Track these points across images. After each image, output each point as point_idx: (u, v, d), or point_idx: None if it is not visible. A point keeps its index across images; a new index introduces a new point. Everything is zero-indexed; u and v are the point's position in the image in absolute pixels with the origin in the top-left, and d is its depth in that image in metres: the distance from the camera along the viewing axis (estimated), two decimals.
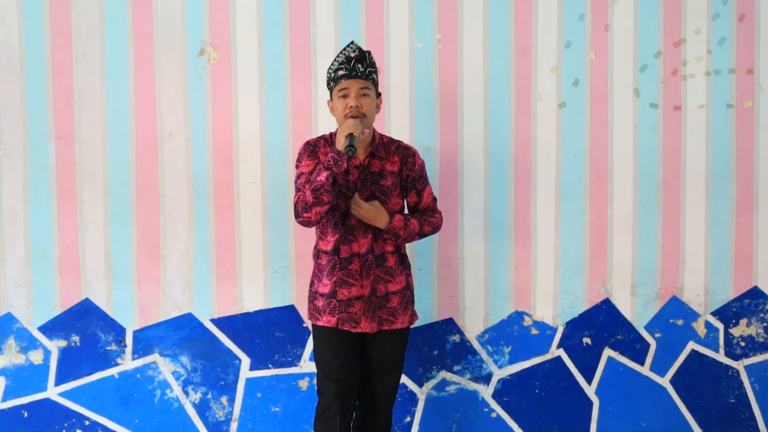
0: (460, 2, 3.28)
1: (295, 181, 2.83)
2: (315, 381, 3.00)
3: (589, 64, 3.30)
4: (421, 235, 2.88)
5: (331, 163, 2.69)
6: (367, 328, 2.81)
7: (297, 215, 2.74)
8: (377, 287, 2.83)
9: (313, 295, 2.89)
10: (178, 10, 3.25)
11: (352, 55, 2.79)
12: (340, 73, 2.78)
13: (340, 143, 2.67)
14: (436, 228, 2.93)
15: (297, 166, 2.84)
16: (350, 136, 2.66)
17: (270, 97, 3.27)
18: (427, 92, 3.28)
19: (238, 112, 3.27)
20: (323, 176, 2.69)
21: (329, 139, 2.87)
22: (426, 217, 2.90)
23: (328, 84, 2.85)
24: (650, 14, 3.30)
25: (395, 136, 3.23)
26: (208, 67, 3.26)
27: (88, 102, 3.26)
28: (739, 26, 3.31)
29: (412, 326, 3.04)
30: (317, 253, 2.89)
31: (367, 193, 2.82)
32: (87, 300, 3.30)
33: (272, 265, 3.29)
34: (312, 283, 2.90)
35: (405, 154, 2.89)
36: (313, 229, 3.10)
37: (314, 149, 2.84)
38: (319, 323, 2.85)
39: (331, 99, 2.84)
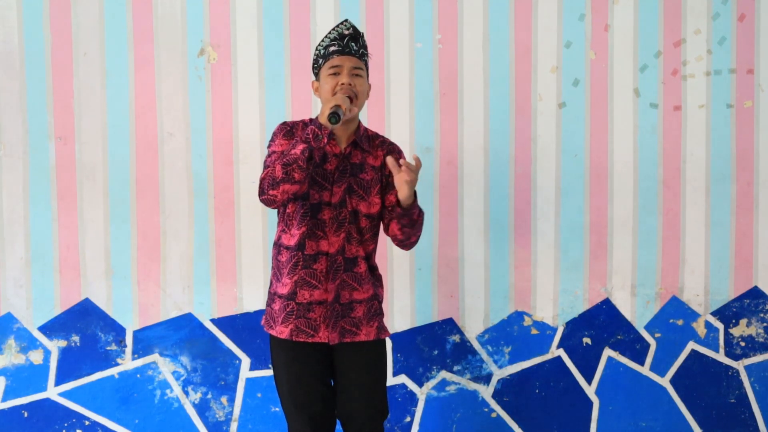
0: (460, 2, 3.28)
1: (265, 160, 2.54)
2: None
3: (589, 64, 3.30)
4: (416, 227, 2.60)
5: (310, 136, 2.40)
6: (324, 338, 2.53)
7: (261, 192, 2.44)
8: (341, 293, 2.54)
9: (270, 298, 2.61)
10: (178, 10, 3.25)
11: (346, 32, 2.55)
12: (332, 49, 2.53)
13: (324, 114, 2.38)
14: (420, 228, 2.64)
15: (269, 146, 2.57)
16: (336, 106, 2.38)
17: (270, 97, 3.27)
18: (427, 92, 3.28)
19: (238, 112, 3.27)
20: (299, 149, 2.40)
21: (308, 123, 2.60)
22: None
23: (316, 62, 2.59)
24: (650, 14, 3.30)
25: (395, 137, 3.23)
26: (208, 67, 3.26)
27: (88, 102, 3.26)
28: (739, 26, 3.31)
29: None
30: (278, 250, 2.59)
31: (344, 186, 2.55)
32: (87, 300, 3.30)
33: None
34: (270, 284, 2.63)
35: (390, 149, 2.65)
36: None
37: (291, 130, 2.57)
38: (272, 332, 2.57)
39: (317, 79, 2.58)
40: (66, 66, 3.25)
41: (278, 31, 3.26)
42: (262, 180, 2.46)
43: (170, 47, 3.25)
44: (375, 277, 2.66)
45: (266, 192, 2.44)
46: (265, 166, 2.51)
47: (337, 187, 2.55)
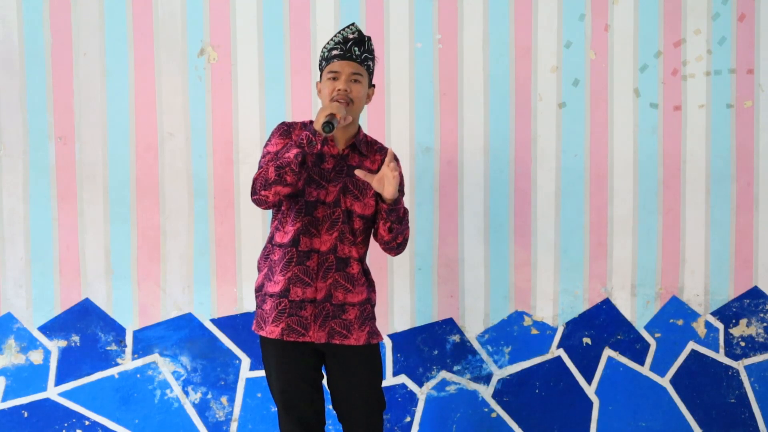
0: (460, 2, 3.28)
1: (260, 160, 2.58)
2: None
3: (589, 64, 3.31)
4: (404, 224, 2.59)
5: (304, 141, 2.43)
6: (314, 337, 2.52)
7: (253, 192, 2.48)
8: (334, 293, 2.54)
9: (262, 299, 2.59)
10: (178, 10, 3.25)
11: (351, 36, 2.57)
12: (334, 53, 2.56)
13: (318, 122, 2.41)
14: (407, 227, 2.63)
15: (265, 145, 2.60)
16: (331, 115, 2.42)
17: (270, 97, 3.27)
18: (427, 92, 3.28)
19: (238, 112, 3.27)
20: (292, 153, 2.43)
21: (307, 125, 2.61)
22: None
23: (320, 64, 2.62)
24: (650, 14, 3.30)
25: (395, 136, 3.24)
26: (208, 67, 3.26)
27: (88, 102, 3.26)
28: (739, 26, 3.31)
29: (375, 341, 2.67)
30: (270, 249, 2.60)
31: (340, 185, 2.56)
32: (87, 300, 3.30)
33: None
34: (261, 287, 2.60)
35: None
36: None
37: (288, 129, 2.60)
38: (262, 333, 2.56)
39: (321, 80, 2.61)
40: (66, 66, 3.25)
41: (278, 31, 3.26)
42: (254, 180, 2.49)
43: (170, 47, 3.25)
44: (368, 280, 2.66)
45: (258, 192, 2.48)
46: (259, 167, 2.55)
47: (333, 186, 2.57)
